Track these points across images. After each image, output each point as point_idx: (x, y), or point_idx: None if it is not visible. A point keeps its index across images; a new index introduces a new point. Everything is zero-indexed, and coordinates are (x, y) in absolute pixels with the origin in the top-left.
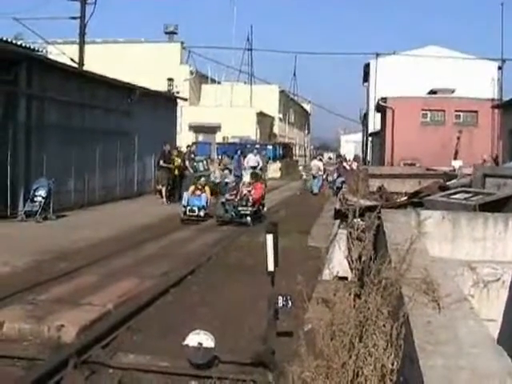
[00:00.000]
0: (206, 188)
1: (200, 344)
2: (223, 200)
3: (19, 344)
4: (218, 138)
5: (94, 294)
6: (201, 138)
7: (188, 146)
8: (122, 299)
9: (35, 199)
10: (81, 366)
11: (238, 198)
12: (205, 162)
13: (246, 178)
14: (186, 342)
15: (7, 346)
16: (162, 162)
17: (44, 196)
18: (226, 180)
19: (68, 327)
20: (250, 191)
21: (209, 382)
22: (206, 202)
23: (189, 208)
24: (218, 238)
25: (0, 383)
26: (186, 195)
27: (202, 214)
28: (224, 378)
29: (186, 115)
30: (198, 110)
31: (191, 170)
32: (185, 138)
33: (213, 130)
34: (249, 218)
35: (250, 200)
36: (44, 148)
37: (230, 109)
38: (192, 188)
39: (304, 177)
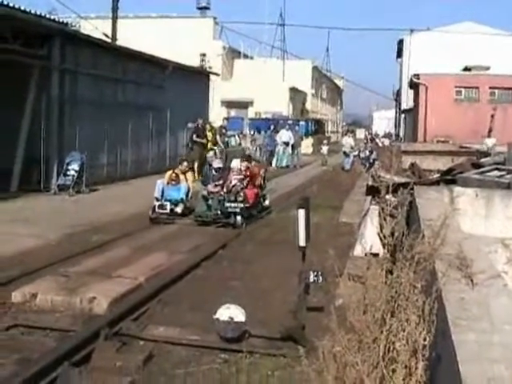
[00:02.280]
0: (188, 175)
1: (231, 318)
2: (205, 193)
3: (51, 315)
4: (251, 113)
5: (125, 267)
6: (233, 113)
7: (225, 119)
8: (153, 272)
9: (68, 173)
10: (112, 338)
11: (225, 190)
12: (237, 137)
13: (235, 162)
14: (216, 316)
15: (40, 317)
16: (194, 137)
17: (77, 170)
18: (214, 165)
19: (99, 299)
20: (242, 180)
21: (239, 356)
22: (187, 194)
23: (159, 204)
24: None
25: (33, 354)
26: (159, 184)
27: (178, 209)
28: (254, 353)
29: (219, 90)
30: (230, 85)
31: (222, 146)
32: (217, 114)
33: (245, 105)
34: (239, 218)
35: (242, 193)
36: (77, 122)
37: (263, 84)
38: (169, 174)
39: (322, 151)
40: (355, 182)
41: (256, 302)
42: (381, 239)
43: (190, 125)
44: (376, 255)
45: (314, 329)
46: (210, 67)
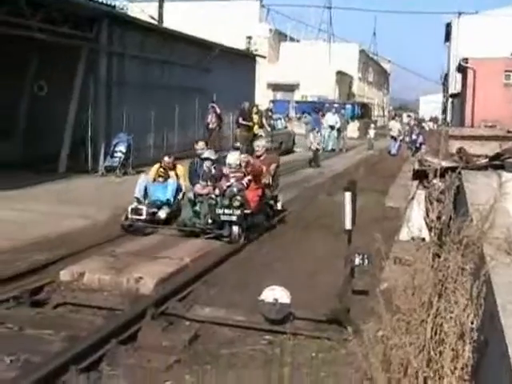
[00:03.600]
0: (179, 169)
1: (275, 300)
2: (191, 195)
3: (99, 294)
4: (297, 96)
5: (171, 248)
6: (279, 96)
7: (271, 101)
8: (198, 254)
9: (115, 155)
10: (158, 318)
11: (218, 191)
12: (282, 120)
13: (232, 157)
14: (261, 298)
15: (88, 296)
16: (240, 120)
17: (124, 151)
18: (205, 156)
19: (146, 279)
20: (241, 179)
21: (283, 338)
22: (176, 194)
23: (133, 207)
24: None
25: (81, 331)
26: (142, 180)
27: (162, 214)
28: (298, 334)
29: (265, 73)
30: (276, 68)
31: (268, 128)
32: (263, 97)
33: (291, 88)
34: (236, 229)
35: (239, 197)
36: (124, 105)
37: (309, 67)
38: (155, 169)
39: (369, 135)
40: (401, 167)
41: (301, 284)
42: (427, 223)
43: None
44: (422, 239)
45: (358, 312)
46: (256, 50)
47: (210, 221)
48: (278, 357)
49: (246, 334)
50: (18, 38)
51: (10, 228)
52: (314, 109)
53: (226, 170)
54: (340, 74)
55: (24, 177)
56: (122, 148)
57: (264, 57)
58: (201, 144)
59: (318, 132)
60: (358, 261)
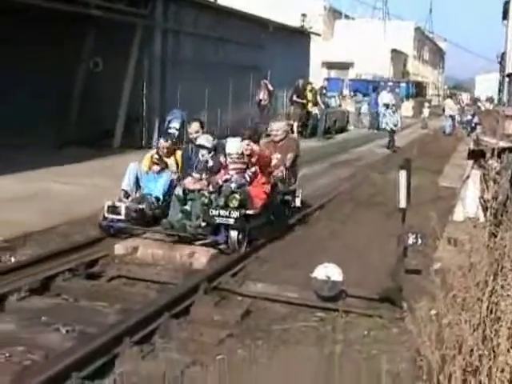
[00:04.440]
0: (179, 155)
1: (328, 277)
2: (179, 191)
3: (153, 268)
4: (351, 74)
5: None
6: (333, 74)
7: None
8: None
9: (169, 131)
10: (211, 292)
11: (211, 187)
12: (337, 99)
13: (232, 144)
14: (314, 275)
15: (141, 270)
16: (294, 97)
17: (178, 128)
18: (201, 143)
19: (199, 254)
20: (243, 172)
21: (335, 315)
22: (169, 188)
23: (110, 204)
24: None
25: (135, 304)
26: (132, 169)
27: (149, 212)
28: (350, 312)
29: (319, 51)
30: (331, 46)
31: (322, 106)
32: (317, 74)
33: (345, 66)
34: (234, 234)
35: (238, 195)
36: (178, 81)
37: (364, 45)
38: (149, 156)
39: (423, 114)
40: (456, 146)
41: (353, 263)
42: (482, 204)
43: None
44: (477, 220)
45: (411, 291)
46: (310, 27)
47: (203, 223)
48: (329, 334)
49: (297, 310)
50: (75, 16)
51: (66, 202)
52: (373, 88)
53: (224, 161)
54: (395, 52)
55: (79, 152)
56: (176, 124)
57: (318, 34)
58: (195, 126)
59: (394, 112)
60: (411, 240)
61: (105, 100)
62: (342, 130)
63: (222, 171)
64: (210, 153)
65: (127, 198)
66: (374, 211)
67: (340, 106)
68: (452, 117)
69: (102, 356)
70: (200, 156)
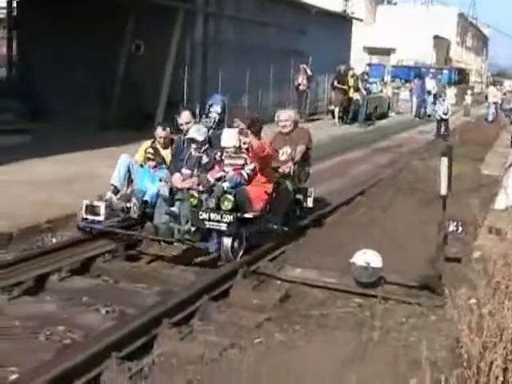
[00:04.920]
0: None
1: (367, 263)
2: (164, 191)
3: (191, 251)
4: (392, 60)
5: None
6: (375, 60)
7: (367, 65)
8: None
9: (210, 115)
10: (250, 276)
11: (202, 187)
12: (378, 85)
13: (227, 137)
14: (353, 261)
15: (181, 253)
16: (335, 83)
17: (219, 112)
18: (192, 137)
19: None
20: (239, 169)
21: (373, 301)
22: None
23: (88, 204)
24: None
25: (174, 287)
26: (123, 161)
27: (135, 212)
28: (389, 299)
29: (361, 36)
30: (372, 31)
31: (364, 92)
32: (359, 60)
33: (387, 52)
34: (227, 241)
35: (231, 196)
36: (219, 65)
37: (406, 31)
38: (144, 148)
39: (466, 101)
40: (498, 134)
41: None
42: None
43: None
44: None
45: (451, 279)
46: (352, 12)
47: (191, 228)
48: (367, 320)
49: (336, 296)
50: None
51: (107, 184)
52: (415, 75)
53: (220, 155)
54: (437, 38)
55: (120, 135)
56: (216, 108)
57: (360, 19)
58: (185, 116)
59: (444, 100)
60: (451, 227)
61: (146, 83)
62: (383, 116)
63: (217, 167)
64: (202, 146)
65: (116, 193)
66: (415, 198)
67: (381, 92)
68: (495, 104)
69: (141, 337)
70: (192, 150)
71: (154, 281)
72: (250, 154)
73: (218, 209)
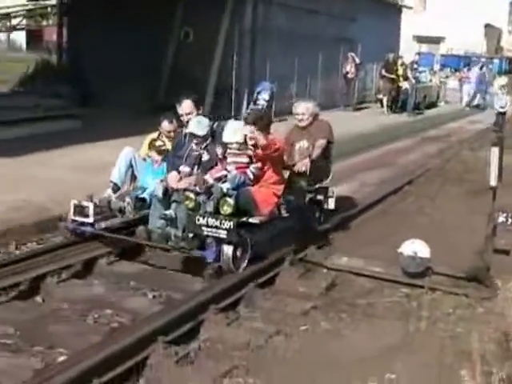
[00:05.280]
0: None
1: (415, 253)
2: (158, 189)
3: None
4: (442, 49)
5: None
6: (424, 48)
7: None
8: (338, 203)
9: (258, 102)
10: (296, 264)
11: (199, 187)
12: (427, 73)
13: (230, 131)
14: (400, 250)
15: None
16: (383, 72)
17: (267, 99)
18: (191, 131)
19: None
20: (243, 167)
21: (420, 292)
22: None
23: (76, 204)
24: None
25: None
26: (126, 155)
27: (130, 212)
28: (436, 289)
29: (410, 25)
30: (422, 19)
31: (413, 81)
32: (408, 48)
33: (437, 40)
34: (228, 250)
35: (230, 199)
36: (268, 52)
37: (456, 20)
38: (148, 140)
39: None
40: None
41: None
42: None
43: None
44: None
45: (499, 271)
46: (402, 0)
47: (190, 234)
48: (414, 310)
49: (382, 285)
50: None
51: None
52: (465, 64)
53: (222, 152)
54: (488, 26)
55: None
56: (265, 96)
57: (410, 7)
58: (186, 105)
59: (504, 93)
60: (501, 219)
61: (194, 70)
62: (432, 105)
63: (219, 166)
64: (203, 142)
65: (116, 191)
66: (463, 188)
67: (430, 81)
68: None
69: (188, 322)
70: (193, 144)
71: (201, 267)
72: (257, 152)
73: (216, 213)
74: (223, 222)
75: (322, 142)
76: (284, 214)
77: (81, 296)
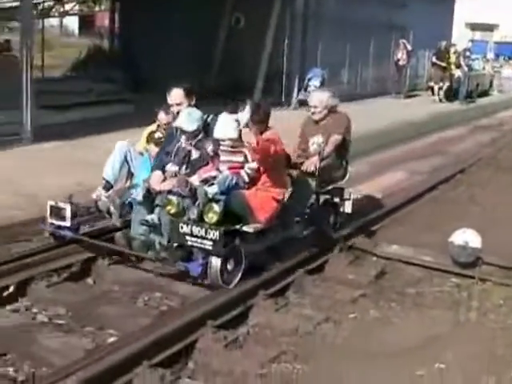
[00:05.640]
0: None
1: (466, 243)
2: (138, 191)
3: None
4: (495, 37)
5: (362, 184)
6: (477, 36)
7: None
8: (389, 191)
9: (309, 89)
10: (346, 251)
11: (182, 190)
12: (480, 61)
13: (222, 125)
14: (451, 240)
15: None
16: (434, 59)
17: (317, 86)
18: (179, 126)
19: None
20: (237, 168)
21: (470, 282)
22: None
23: (52, 205)
24: None
25: (267, 260)
26: (121, 150)
27: (117, 218)
28: (487, 280)
29: (464, 12)
30: (475, 6)
31: (466, 69)
32: (461, 36)
33: (490, 28)
34: (216, 262)
35: (217, 206)
36: (319, 39)
37: (510, 6)
38: (147, 133)
39: None
40: None
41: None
42: None
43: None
44: None
45: None
46: None
47: (174, 243)
48: (464, 300)
49: (432, 274)
50: None
51: None
52: None
53: (213, 149)
54: None
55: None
56: (315, 82)
57: None
58: (175, 94)
59: None
60: None
61: (245, 56)
62: (485, 94)
63: (210, 165)
64: (193, 137)
65: (108, 190)
66: None
67: (483, 69)
68: None
69: (237, 306)
70: (182, 140)
71: None
72: (253, 151)
73: (201, 221)
74: (209, 231)
75: (336, 138)
76: (289, 219)
77: (131, 279)
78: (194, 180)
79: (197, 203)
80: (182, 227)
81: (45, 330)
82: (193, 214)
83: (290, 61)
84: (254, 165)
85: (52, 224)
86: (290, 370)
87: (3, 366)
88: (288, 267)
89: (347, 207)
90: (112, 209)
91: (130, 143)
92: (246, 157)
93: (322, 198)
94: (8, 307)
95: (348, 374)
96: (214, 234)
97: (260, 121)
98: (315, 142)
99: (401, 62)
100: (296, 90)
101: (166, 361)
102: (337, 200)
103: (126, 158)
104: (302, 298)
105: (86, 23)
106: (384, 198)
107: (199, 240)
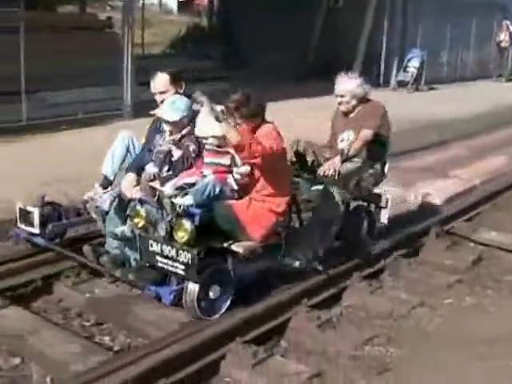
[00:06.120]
0: None
1: None
2: (105, 201)
3: None
4: None
5: (461, 168)
6: None
7: None
8: (489, 176)
9: (408, 70)
10: (443, 236)
11: (153, 200)
12: None
13: (203, 123)
14: None
15: None
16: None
17: (417, 67)
18: (161, 116)
19: (433, 196)
20: (223, 172)
21: None
22: None
23: (21, 209)
24: None
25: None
26: (123, 141)
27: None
28: None
29: None
30: None
31: None
32: None
33: None
34: (193, 288)
35: (188, 224)
36: (420, 19)
37: None
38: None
39: None
40: None
41: None
42: None
43: None
44: None
45: None
46: None
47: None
48: None
49: None
50: None
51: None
52: None
53: (193, 149)
54: None
55: (318, 86)
56: (415, 63)
57: None
58: (160, 80)
59: None
60: None
61: (344, 36)
62: None
63: (194, 168)
64: (178, 131)
65: (107, 186)
66: None
67: None
68: None
69: (331, 287)
70: (165, 135)
71: None
72: (252, 149)
73: (169, 239)
74: (180, 252)
75: (366, 134)
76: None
77: None
78: (168, 187)
79: (166, 217)
80: (151, 245)
81: (141, 301)
82: (162, 229)
83: (390, 41)
84: (245, 169)
85: (24, 230)
86: (384, 353)
87: (100, 335)
88: (383, 250)
89: (383, 217)
90: (93, 214)
91: (132, 134)
92: (233, 159)
93: (354, 203)
94: (104, 279)
95: (444, 361)
96: (186, 257)
97: (251, 115)
98: (345, 138)
99: (503, 44)
100: (395, 70)
101: (260, 337)
102: (371, 208)
103: (128, 150)
104: (396, 282)
105: (185, 1)
106: (484, 183)
107: (170, 262)
